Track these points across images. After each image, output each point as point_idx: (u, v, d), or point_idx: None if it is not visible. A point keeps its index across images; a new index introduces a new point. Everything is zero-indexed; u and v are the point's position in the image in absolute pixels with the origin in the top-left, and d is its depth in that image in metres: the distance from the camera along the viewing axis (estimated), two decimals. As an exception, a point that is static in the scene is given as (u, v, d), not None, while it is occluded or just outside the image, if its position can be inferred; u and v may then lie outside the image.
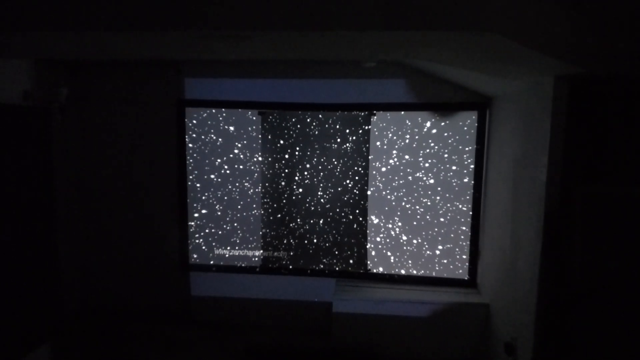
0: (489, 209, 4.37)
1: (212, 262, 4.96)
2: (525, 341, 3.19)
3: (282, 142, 4.76)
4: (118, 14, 2.06)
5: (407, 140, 4.60)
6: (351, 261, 4.83)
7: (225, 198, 4.90)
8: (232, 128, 4.79)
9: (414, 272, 4.72)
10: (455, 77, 4.24)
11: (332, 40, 2.16)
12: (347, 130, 4.67)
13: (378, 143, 4.64)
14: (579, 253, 2.75)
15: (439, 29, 1.81)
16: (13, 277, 3.79)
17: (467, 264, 4.60)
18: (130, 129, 5.01)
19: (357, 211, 4.76)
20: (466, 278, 4.61)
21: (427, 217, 4.65)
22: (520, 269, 3.41)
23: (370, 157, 4.66)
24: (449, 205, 4.59)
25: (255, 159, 4.82)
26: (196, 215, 4.93)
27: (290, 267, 4.89)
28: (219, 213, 4.92)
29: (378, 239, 4.78)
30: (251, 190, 4.87)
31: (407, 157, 4.62)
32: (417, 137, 4.57)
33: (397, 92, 4.56)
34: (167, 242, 5.04)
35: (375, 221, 4.76)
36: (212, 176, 4.88)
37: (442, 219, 4.62)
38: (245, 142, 4.80)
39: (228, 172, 4.86)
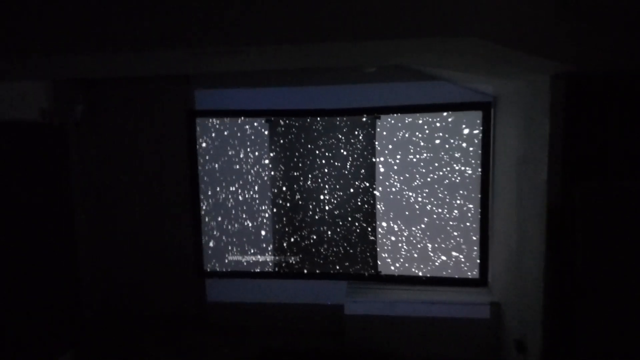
0: (497, 207, 4.37)
1: (226, 269, 5.08)
2: (535, 338, 3.20)
3: (288, 147, 4.85)
4: (121, 35, 2.18)
5: (413, 140, 4.63)
6: (360, 262, 4.87)
7: (236, 204, 5.01)
8: (239, 135, 4.92)
9: (425, 272, 4.74)
10: (459, 78, 4.26)
11: (313, 51, 2.24)
12: (354, 132, 4.73)
13: (385, 143, 4.69)
14: (581, 248, 2.75)
15: (415, 36, 1.86)
16: (37, 286, 3.98)
17: (477, 262, 4.60)
18: (143, 141, 5.18)
19: (367, 214, 4.81)
20: (477, 277, 4.61)
21: (437, 217, 4.66)
22: (526, 267, 3.42)
23: (376, 158, 4.71)
24: (458, 204, 4.60)
25: (263, 164, 4.92)
26: (209, 221, 5.06)
27: (303, 271, 4.97)
28: (231, 219, 5.03)
29: (388, 241, 4.82)
30: (261, 196, 4.97)
31: (414, 157, 4.65)
32: (422, 136, 4.60)
33: (401, 94, 4.61)
34: (183, 249, 5.19)
35: (386, 223, 4.80)
36: (223, 183, 5.00)
37: (452, 219, 4.63)
38: (252, 148, 4.91)
39: (237, 178, 4.97)
